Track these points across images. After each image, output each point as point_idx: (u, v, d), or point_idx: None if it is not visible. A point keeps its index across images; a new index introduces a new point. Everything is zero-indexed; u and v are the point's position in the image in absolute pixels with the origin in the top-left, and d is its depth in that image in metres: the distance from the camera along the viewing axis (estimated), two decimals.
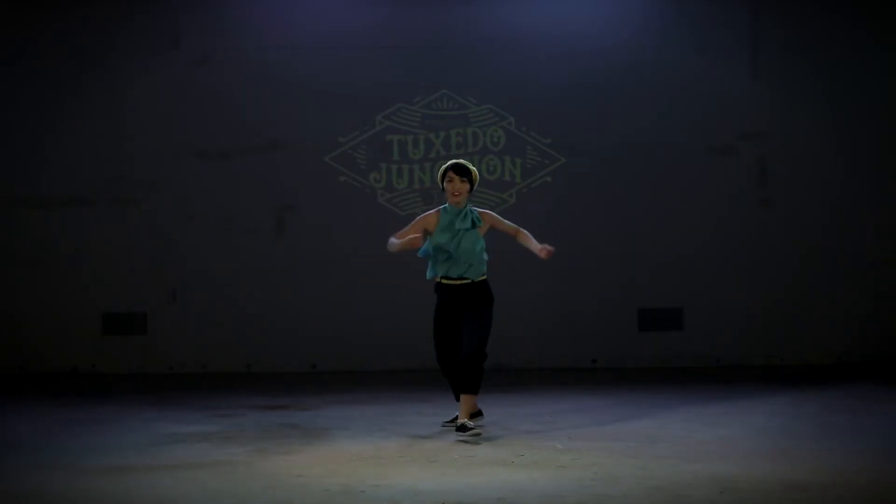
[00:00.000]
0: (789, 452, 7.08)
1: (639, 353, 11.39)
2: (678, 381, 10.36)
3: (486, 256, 7.77)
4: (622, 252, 11.43)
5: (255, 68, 11.27)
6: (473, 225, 7.68)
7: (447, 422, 7.93)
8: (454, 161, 7.84)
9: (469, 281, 7.68)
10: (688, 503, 5.85)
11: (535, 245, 7.74)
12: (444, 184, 7.75)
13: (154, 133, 11.29)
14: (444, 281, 7.71)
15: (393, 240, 7.79)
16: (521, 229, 7.86)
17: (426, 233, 7.72)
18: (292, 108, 11.30)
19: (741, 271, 11.46)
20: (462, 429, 7.53)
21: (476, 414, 7.88)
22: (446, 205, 7.77)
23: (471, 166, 7.78)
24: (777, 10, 11.46)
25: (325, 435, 7.86)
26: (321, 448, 7.39)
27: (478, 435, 7.47)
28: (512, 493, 6.08)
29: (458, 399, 7.78)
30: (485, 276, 7.76)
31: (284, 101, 11.29)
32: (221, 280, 11.26)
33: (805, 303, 11.46)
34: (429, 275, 7.82)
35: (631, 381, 10.37)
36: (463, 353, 7.65)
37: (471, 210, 7.74)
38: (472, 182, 7.72)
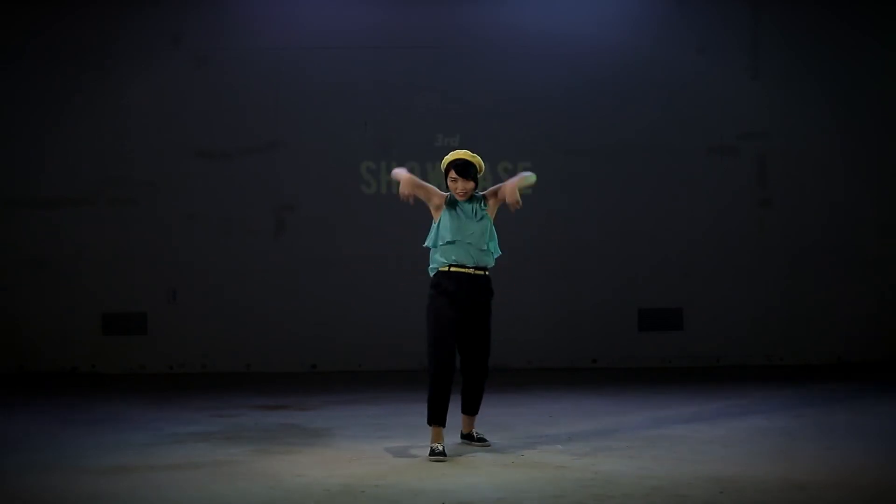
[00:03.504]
0: (789, 452, 7.08)
1: (639, 353, 11.40)
2: (678, 381, 10.36)
3: (499, 251, 7.34)
4: (622, 252, 11.43)
5: (255, 68, 11.28)
6: (483, 210, 7.24)
7: (464, 438, 7.50)
8: (458, 158, 7.26)
9: (483, 272, 7.21)
10: (688, 503, 5.85)
11: (513, 182, 7.26)
12: (448, 183, 7.30)
13: (154, 133, 11.29)
14: (454, 269, 7.13)
15: (403, 172, 7.27)
16: (507, 181, 7.30)
17: (428, 199, 7.27)
18: (292, 108, 11.30)
19: (741, 271, 11.46)
20: (482, 440, 7.41)
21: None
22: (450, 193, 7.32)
23: (475, 160, 7.32)
24: (777, 10, 11.47)
25: (325, 435, 7.86)
26: (321, 448, 7.39)
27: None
28: (512, 493, 6.08)
29: (436, 425, 7.12)
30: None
31: (284, 101, 11.30)
32: (221, 280, 11.27)
33: (805, 303, 11.47)
34: (435, 265, 7.20)
35: (631, 381, 10.37)
36: (476, 369, 7.28)
37: (477, 196, 7.29)
38: (476, 179, 7.30)
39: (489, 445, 7.36)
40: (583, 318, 11.40)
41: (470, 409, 7.44)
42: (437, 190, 7.37)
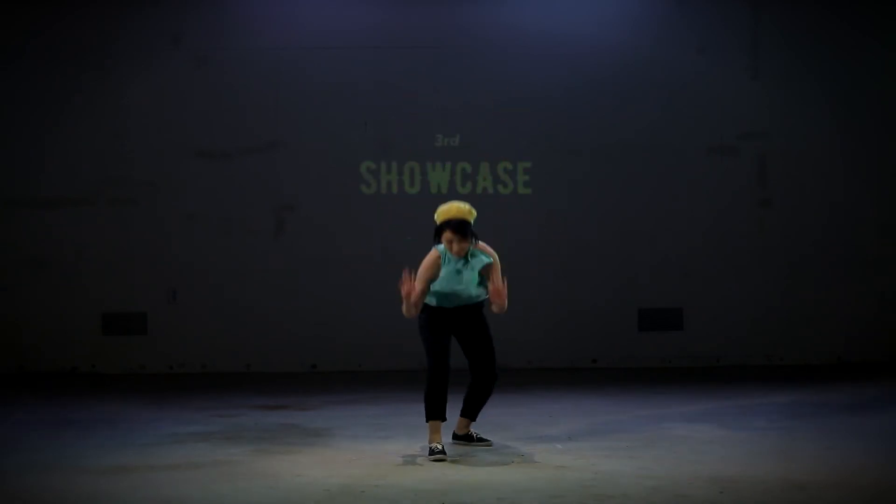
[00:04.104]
0: (789, 452, 7.08)
1: (639, 353, 11.39)
2: (678, 381, 10.36)
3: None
4: (622, 252, 11.43)
5: (255, 68, 11.27)
6: (474, 262, 7.19)
7: (458, 437, 7.49)
8: (453, 218, 7.12)
9: (474, 302, 7.31)
10: (688, 503, 5.85)
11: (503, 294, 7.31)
12: (444, 238, 7.15)
13: (154, 133, 11.29)
14: (444, 307, 7.25)
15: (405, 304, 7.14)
16: (499, 294, 7.25)
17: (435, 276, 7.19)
18: (292, 108, 11.30)
19: (741, 271, 11.46)
20: (482, 441, 7.44)
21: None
22: (443, 247, 7.16)
23: (470, 216, 7.17)
24: (777, 10, 11.46)
25: (325, 435, 7.86)
26: (321, 448, 7.39)
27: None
28: (512, 493, 6.08)
29: (435, 419, 7.13)
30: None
31: (284, 101, 11.29)
32: (221, 280, 11.26)
33: (805, 303, 11.47)
34: (428, 301, 7.23)
35: (631, 381, 10.37)
36: (484, 370, 7.28)
37: (473, 253, 7.18)
38: (472, 235, 7.16)
39: (491, 445, 7.36)
40: (583, 318, 11.40)
41: (470, 413, 7.43)
42: (432, 263, 7.18)
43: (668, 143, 11.43)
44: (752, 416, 8.44)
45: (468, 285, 7.22)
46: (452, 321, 7.30)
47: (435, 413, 7.14)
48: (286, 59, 11.27)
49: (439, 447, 7.05)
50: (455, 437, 7.48)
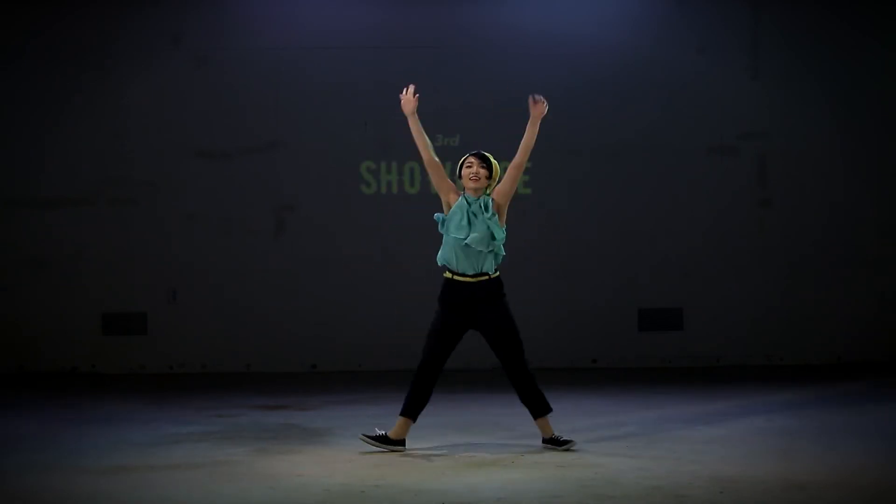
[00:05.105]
0: (789, 452, 7.08)
1: (639, 353, 11.39)
2: (678, 381, 10.36)
3: (503, 252, 7.32)
4: (622, 252, 11.43)
5: (255, 68, 11.27)
6: (490, 210, 7.22)
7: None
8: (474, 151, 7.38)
9: (486, 277, 7.21)
10: (688, 503, 5.85)
11: (531, 123, 7.49)
12: (462, 170, 7.30)
13: (154, 133, 11.29)
14: (457, 278, 7.18)
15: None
16: (516, 158, 7.42)
17: (441, 186, 7.27)
18: (292, 108, 11.30)
19: (741, 271, 11.46)
20: (566, 444, 7.21)
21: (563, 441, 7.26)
22: (465, 193, 7.30)
23: (491, 158, 7.41)
24: (777, 10, 11.47)
25: (325, 435, 7.86)
26: (321, 448, 7.39)
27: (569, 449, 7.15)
28: (512, 493, 6.08)
29: (403, 416, 7.17)
30: (498, 273, 7.32)
31: (284, 101, 11.29)
32: (221, 280, 11.26)
33: (805, 303, 11.47)
34: (440, 259, 7.24)
35: (631, 381, 10.37)
36: (511, 369, 7.25)
37: (487, 205, 7.25)
38: (491, 171, 7.31)
39: (570, 448, 7.14)
40: (583, 318, 11.40)
41: (532, 412, 7.31)
42: (452, 185, 7.37)
43: (668, 143, 11.43)
44: (752, 416, 8.45)
45: (482, 239, 7.16)
46: (468, 307, 7.19)
47: (403, 409, 7.19)
48: (286, 59, 11.27)
49: (379, 433, 7.13)
50: (544, 441, 7.29)
